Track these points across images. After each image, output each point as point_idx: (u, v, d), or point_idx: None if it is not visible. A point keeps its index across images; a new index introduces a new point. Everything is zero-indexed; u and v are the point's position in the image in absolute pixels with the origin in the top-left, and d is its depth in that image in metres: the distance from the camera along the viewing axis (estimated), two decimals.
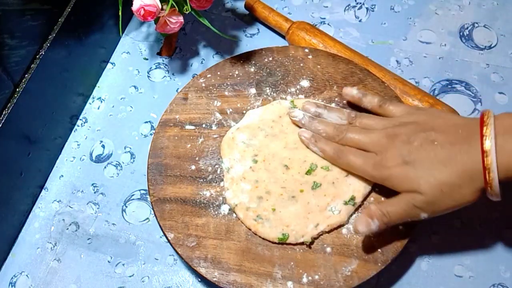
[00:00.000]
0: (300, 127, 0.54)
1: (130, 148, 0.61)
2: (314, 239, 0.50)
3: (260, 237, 0.50)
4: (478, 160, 0.41)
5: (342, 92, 0.54)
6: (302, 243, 0.49)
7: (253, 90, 0.59)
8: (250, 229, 0.51)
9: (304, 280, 0.48)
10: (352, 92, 0.53)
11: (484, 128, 0.41)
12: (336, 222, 0.50)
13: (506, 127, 0.41)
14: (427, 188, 0.42)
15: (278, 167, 0.53)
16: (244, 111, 0.57)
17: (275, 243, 0.50)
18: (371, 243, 0.49)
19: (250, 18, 0.69)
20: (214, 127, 0.57)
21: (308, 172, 0.52)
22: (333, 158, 0.50)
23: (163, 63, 0.67)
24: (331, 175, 0.52)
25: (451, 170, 0.42)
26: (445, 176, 0.42)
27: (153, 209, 0.53)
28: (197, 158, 0.55)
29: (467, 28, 0.66)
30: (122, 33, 0.70)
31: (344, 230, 0.50)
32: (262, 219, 0.50)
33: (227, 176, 0.54)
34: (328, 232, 0.50)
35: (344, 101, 0.56)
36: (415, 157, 0.44)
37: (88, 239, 0.56)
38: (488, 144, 0.40)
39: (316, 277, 0.48)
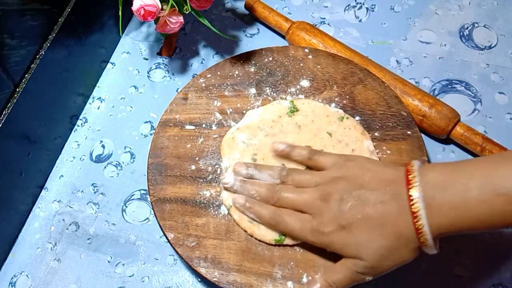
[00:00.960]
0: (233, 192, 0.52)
1: (130, 148, 0.61)
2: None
3: (256, 239, 0.50)
4: (409, 221, 0.40)
5: (270, 147, 0.53)
6: (299, 244, 0.49)
7: (253, 90, 0.59)
8: (246, 231, 0.51)
9: (304, 280, 0.48)
10: (279, 147, 0.52)
11: (411, 190, 0.40)
12: None
13: (431, 183, 0.39)
14: (367, 254, 0.42)
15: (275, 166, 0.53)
16: (244, 111, 0.57)
17: (272, 244, 0.50)
18: None
19: (250, 18, 0.69)
20: (214, 127, 0.57)
21: None
22: (270, 224, 0.48)
23: (163, 63, 0.67)
24: None
25: (387, 234, 0.41)
26: (382, 240, 0.41)
27: (153, 209, 0.53)
28: (197, 158, 0.55)
29: (467, 28, 0.66)
30: (122, 33, 0.70)
31: None
32: (257, 221, 0.50)
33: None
34: None
35: (344, 101, 0.57)
36: (350, 221, 0.42)
37: (88, 239, 0.56)
38: (417, 206, 0.39)
39: (316, 277, 0.48)
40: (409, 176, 0.41)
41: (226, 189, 0.52)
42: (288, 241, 0.49)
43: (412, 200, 0.39)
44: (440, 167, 0.41)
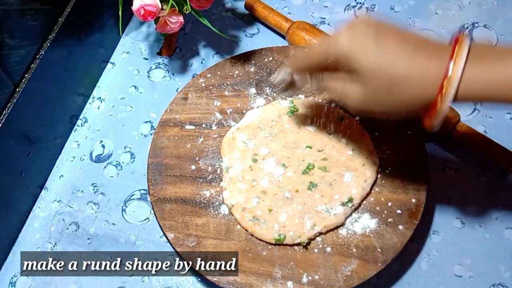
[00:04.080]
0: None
1: (130, 148, 0.61)
2: (310, 240, 0.50)
3: (256, 238, 0.50)
4: (442, 67, 0.37)
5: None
6: (299, 244, 0.49)
7: (253, 90, 0.59)
8: (246, 230, 0.51)
9: (304, 280, 0.48)
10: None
11: (457, 42, 0.39)
12: (333, 223, 0.50)
13: (481, 45, 0.38)
14: (378, 65, 0.39)
15: (276, 166, 0.53)
16: (244, 111, 0.57)
17: (272, 243, 0.50)
18: (371, 243, 0.49)
19: (250, 18, 0.69)
20: (214, 127, 0.57)
21: (305, 172, 0.52)
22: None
23: (163, 63, 0.67)
24: (329, 176, 0.52)
25: (411, 63, 0.38)
26: (404, 65, 0.38)
27: (153, 209, 0.53)
28: (197, 158, 0.55)
29: (467, 28, 0.66)
30: (122, 33, 0.70)
31: (344, 230, 0.50)
32: (258, 220, 0.50)
33: (225, 176, 0.54)
34: (325, 233, 0.50)
35: None
36: (383, 35, 0.40)
37: (88, 239, 0.56)
38: (461, 52, 0.37)
39: (316, 277, 0.48)
40: (458, 36, 0.39)
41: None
42: (287, 240, 0.49)
43: (456, 43, 0.38)
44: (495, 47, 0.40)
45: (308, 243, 0.49)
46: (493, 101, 0.38)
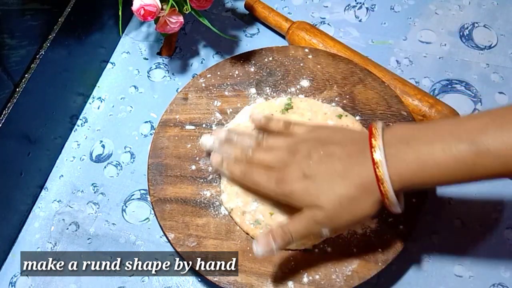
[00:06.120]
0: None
1: (130, 148, 0.61)
2: (315, 245, 0.49)
3: None
4: (371, 170, 0.40)
5: (249, 117, 0.54)
6: (303, 249, 0.49)
7: (253, 90, 0.59)
8: (248, 234, 0.50)
9: (305, 280, 0.48)
10: (258, 117, 0.52)
11: (373, 140, 0.40)
12: None
13: (397, 137, 0.40)
14: (326, 202, 0.42)
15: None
16: None
17: None
18: (372, 243, 0.49)
19: (250, 18, 0.69)
20: (214, 127, 0.57)
21: None
22: (240, 178, 0.50)
23: (163, 63, 0.67)
24: None
25: (348, 183, 0.41)
26: (343, 189, 0.41)
27: (153, 209, 0.53)
28: (197, 158, 0.55)
29: (467, 28, 0.66)
30: (122, 33, 0.70)
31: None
32: (260, 224, 0.50)
33: (223, 178, 0.53)
34: (335, 237, 0.49)
35: (344, 101, 0.57)
36: (315, 172, 0.43)
37: (88, 239, 0.56)
38: (378, 155, 0.39)
39: (317, 277, 0.48)
40: (373, 129, 0.42)
41: (207, 153, 0.54)
42: (291, 246, 0.49)
43: (373, 149, 0.40)
44: (409, 124, 0.43)
45: (313, 249, 0.49)
46: (440, 183, 0.41)
